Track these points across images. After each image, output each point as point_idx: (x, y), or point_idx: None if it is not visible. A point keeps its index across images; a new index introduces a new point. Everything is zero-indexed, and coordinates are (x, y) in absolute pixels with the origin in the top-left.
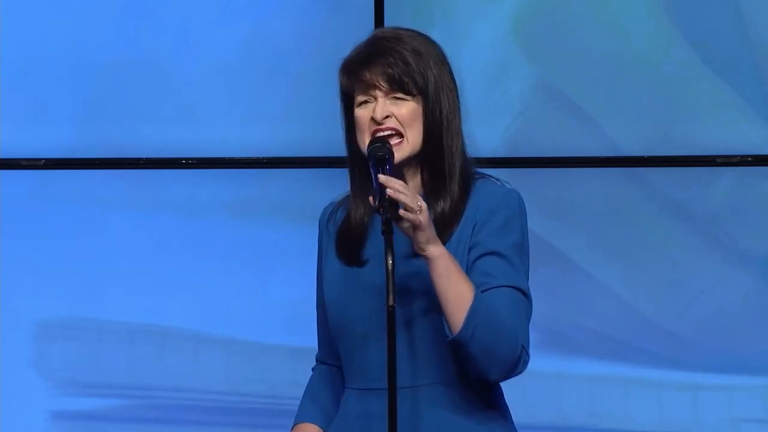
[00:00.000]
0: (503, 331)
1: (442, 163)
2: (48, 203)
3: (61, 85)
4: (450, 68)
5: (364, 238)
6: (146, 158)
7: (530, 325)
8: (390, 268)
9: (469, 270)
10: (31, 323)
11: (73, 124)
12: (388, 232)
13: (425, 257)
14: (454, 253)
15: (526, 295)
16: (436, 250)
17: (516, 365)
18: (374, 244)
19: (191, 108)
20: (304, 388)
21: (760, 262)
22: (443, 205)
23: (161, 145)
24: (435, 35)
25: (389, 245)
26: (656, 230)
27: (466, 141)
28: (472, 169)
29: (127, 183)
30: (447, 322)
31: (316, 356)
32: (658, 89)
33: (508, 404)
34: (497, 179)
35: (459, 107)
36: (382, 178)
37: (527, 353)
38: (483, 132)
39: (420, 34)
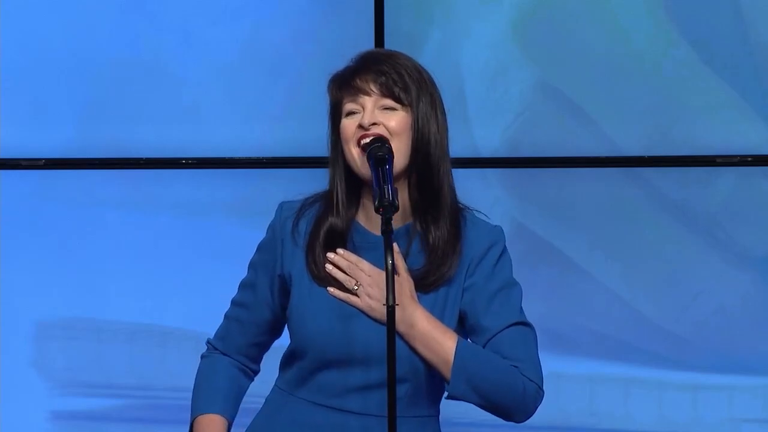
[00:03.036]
0: (498, 378)
1: (431, 181)
2: (48, 203)
3: (61, 85)
4: (440, 95)
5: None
6: (146, 158)
7: None
8: (390, 268)
9: (465, 311)
10: (31, 323)
11: (73, 124)
12: (388, 232)
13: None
14: (449, 292)
15: (527, 324)
16: (401, 327)
17: (527, 402)
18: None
19: (191, 108)
20: (201, 372)
21: (760, 262)
22: (438, 234)
23: (161, 145)
24: (435, 35)
25: (389, 245)
26: (656, 230)
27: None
28: (457, 199)
29: (127, 183)
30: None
31: (214, 344)
32: (658, 89)
33: None
34: (479, 212)
35: (448, 133)
36: (330, 256)
37: (537, 386)
38: (483, 132)
39: (412, 59)
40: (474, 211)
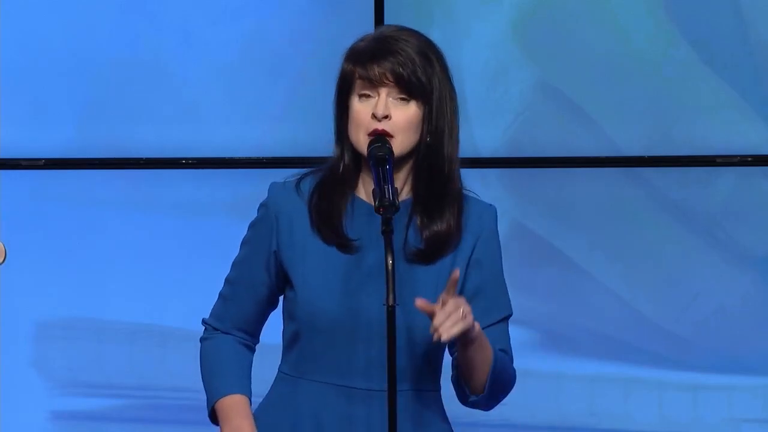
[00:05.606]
0: (509, 379)
1: (441, 171)
2: (48, 203)
3: (61, 85)
4: (451, 76)
5: (341, 216)
6: (146, 158)
7: (530, 325)
8: (390, 268)
9: (469, 287)
10: (31, 323)
11: (73, 124)
12: (388, 232)
13: (470, 341)
14: (450, 267)
15: (509, 317)
16: (476, 330)
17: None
18: (360, 238)
19: (191, 108)
20: (207, 355)
21: (760, 262)
22: (441, 226)
23: (161, 145)
24: (435, 35)
25: (389, 245)
26: (656, 230)
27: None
28: (461, 183)
29: (127, 183)
30: (468, 384)
31: (213, 325)
32: (658, 89)
33: (508, 404)
34: (471, 191)
35: (458, 116)
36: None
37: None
38: (483, 132)
39: (427, 38)
40: (463, 191)
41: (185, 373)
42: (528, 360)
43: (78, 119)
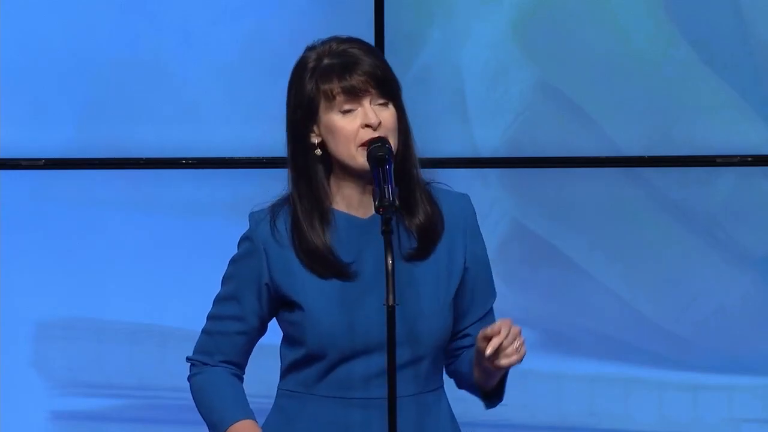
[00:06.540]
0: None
1: (411, 170)
2: (48, 203)
3: (61, 85)
4: None
5: (332, 250)
6: (146, 158)
7: (530, 325)
8: (390, 268)
9: (470, 282)
10: (31, 323)
11: (73, 124)
12: (387, 232)
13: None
14: (447, 264)
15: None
16: None
17: None
18: (351, 253)
19: (191, 108)
20: (202, 388)
21: (760, 262)
22: (421, 217)
23: (161, 145)
24: (435, 35)
25: (389, 245)
26: (656, 230)
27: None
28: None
29: (127, 183)
30: (480, 392)
31: (202, 360)
32: (658, 89)
33: (508, 404)
34: (442, 183)
35: None
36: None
37: None
38: (483, 132)
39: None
40: (434, 183)
41: (185, 373)
42: (528, 360)
43: (78, 119)
